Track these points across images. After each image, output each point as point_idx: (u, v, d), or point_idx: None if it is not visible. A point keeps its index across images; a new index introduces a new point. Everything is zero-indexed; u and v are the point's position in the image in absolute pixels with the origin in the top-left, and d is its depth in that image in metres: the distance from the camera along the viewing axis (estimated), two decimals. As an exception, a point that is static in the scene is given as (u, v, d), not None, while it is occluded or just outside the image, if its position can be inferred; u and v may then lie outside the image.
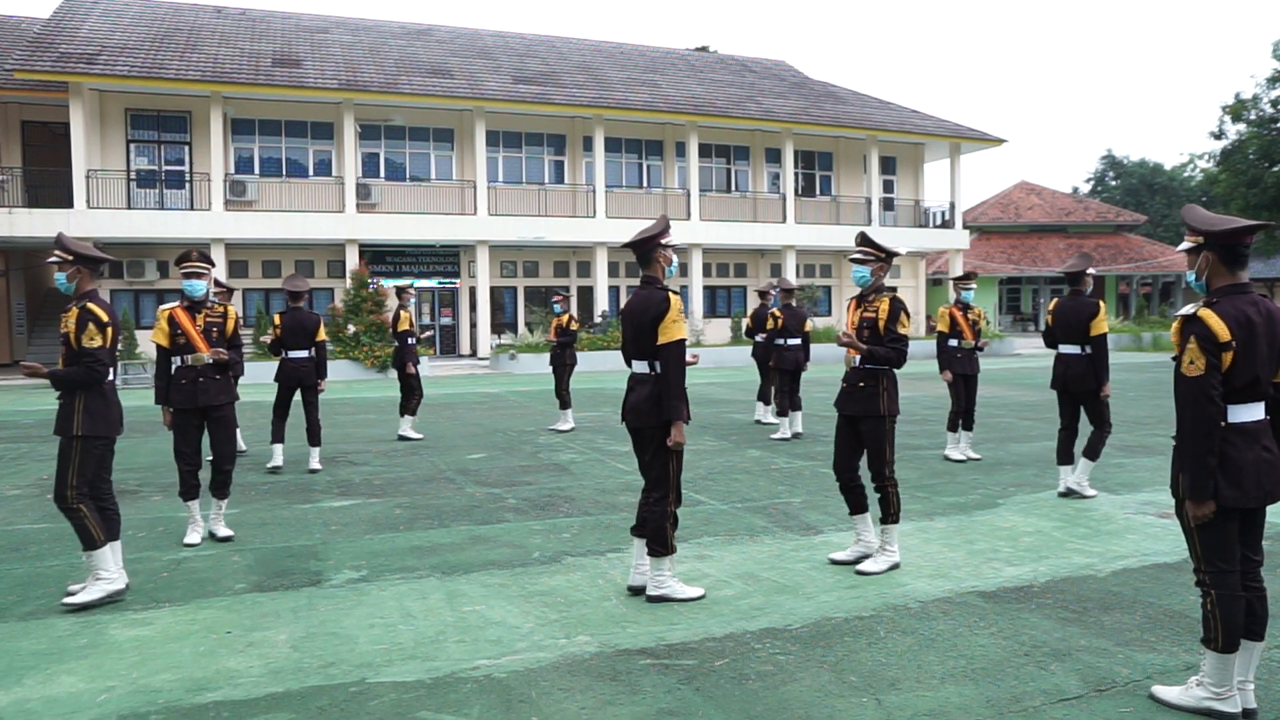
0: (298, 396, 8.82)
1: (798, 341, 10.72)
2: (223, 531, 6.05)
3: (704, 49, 45.25)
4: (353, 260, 23.71)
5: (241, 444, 9.92)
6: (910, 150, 32.81)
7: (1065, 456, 7.12)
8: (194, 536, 5.93)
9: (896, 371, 5.18)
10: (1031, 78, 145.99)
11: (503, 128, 27.08)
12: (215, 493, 6.08)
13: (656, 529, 4.61)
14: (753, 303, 31.27)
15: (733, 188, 30.42)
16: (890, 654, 3.91)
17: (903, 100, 65.10)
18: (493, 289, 26.58)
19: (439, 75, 25.90)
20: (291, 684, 3.67)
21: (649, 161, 29.46)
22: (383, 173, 26.17)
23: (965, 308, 8.97)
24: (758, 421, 11.95)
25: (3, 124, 23.63)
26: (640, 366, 4.75)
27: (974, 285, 9.15)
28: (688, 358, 4.64)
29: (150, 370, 20.14)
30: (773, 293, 12.32)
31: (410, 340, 10.77)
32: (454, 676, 3.73)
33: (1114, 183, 63.69)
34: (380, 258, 25.72)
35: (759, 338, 11.79)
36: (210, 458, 6.08)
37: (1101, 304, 7.06)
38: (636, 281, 5.15)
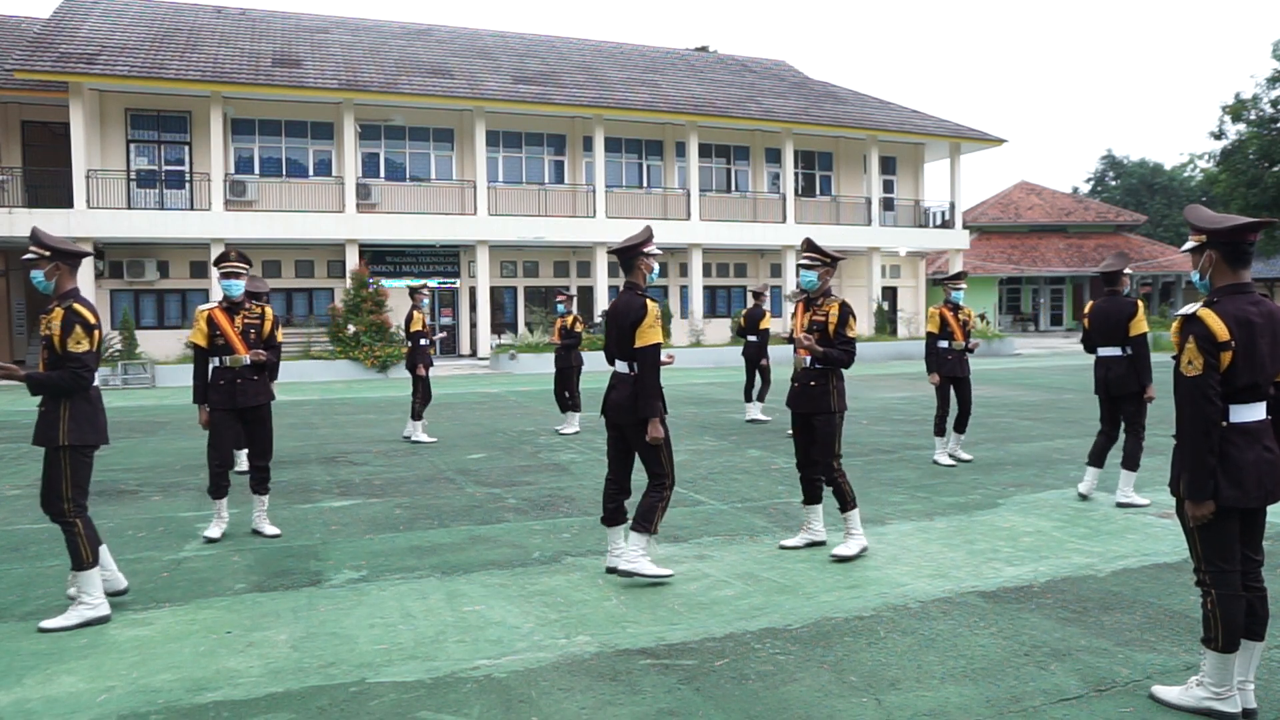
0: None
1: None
2: (268, 529, 6.11)
3: (704, 49, 45.25)
4: (353, 260, 23.71)
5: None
6: (910, 150, 32.80)
7: (1098, 459, 6.95)
8: (215, 531, 6.00)
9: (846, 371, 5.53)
10: (1031, 78, 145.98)
11: (503, 128, 27.07)
12: (256, 489, 6.17)
13: (648, 508, 4.94)
14: (752, 302, 31.27)
15: (733, 188, 30.42)
16: (890, 654, 3.91)
17: (903, 100, 65.10)
18: (493, 289, 26.57)
19: (439, 75, 25.90)
20: (291, 684, 3.67)
21: (649, 161, 29.45)
22: (383, 173, 26.17)
23: (956, 308, 8.78)
24: (751, 421, 11.97)
25: (3, 124, 23.62)
26: (621, 366, 5.03)
27: (964, 285, 8.97)
28: (663, 358, 4.98)
29: (150, 370, 20.14)
30: (766, 294, 12.43)
31: (423, 342, 10.62)
32: (454, 676, 3.73)
33: (1114, 183, 63.70)
34: (380, 258, 25.72)
35: (751, 337, 12.02)
36: (247, 456, 6.21)
37: (1140, 303, 6.91)
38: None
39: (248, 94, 23.68)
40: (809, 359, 5.46)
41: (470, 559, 5.47)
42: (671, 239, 27.30)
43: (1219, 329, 3.16)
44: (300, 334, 23.28)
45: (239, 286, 6.10)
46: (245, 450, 7.27)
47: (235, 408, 5.97)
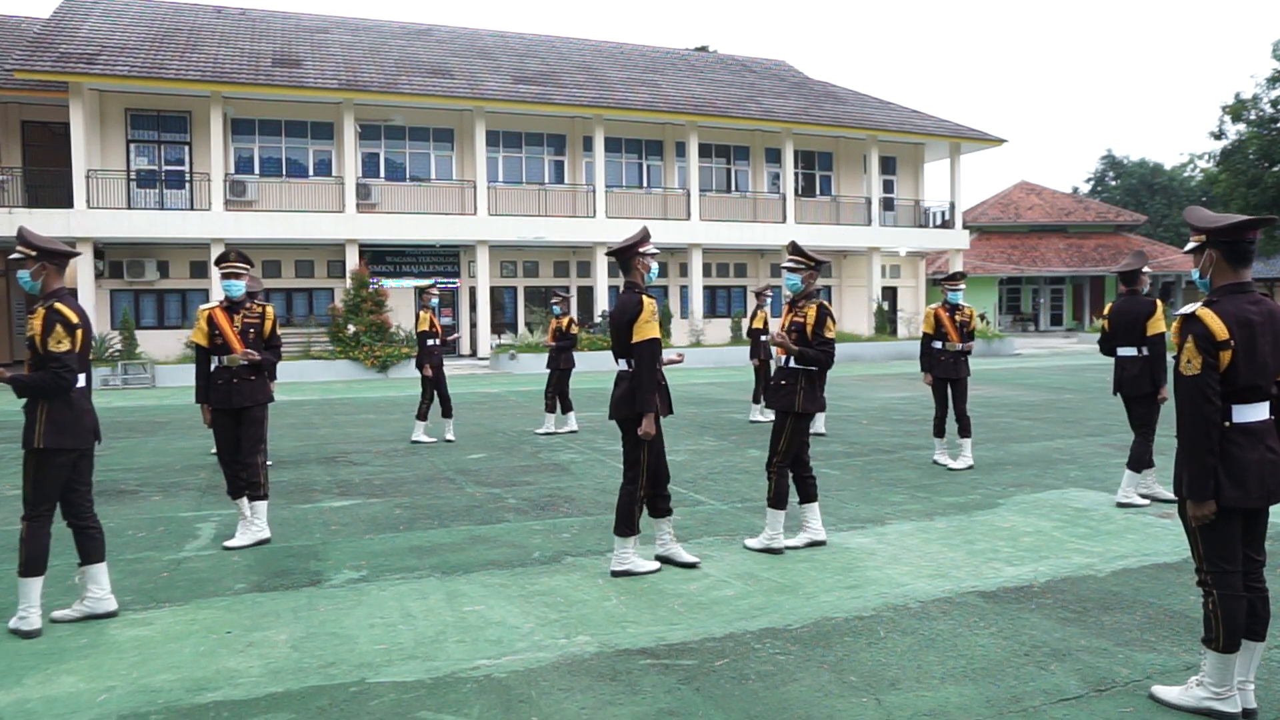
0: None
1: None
2: (238, 540, 5.82)
3: (704, 49, 45.27)
4: (353, 260, 23.71)
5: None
6: (910, 150, 32.80)
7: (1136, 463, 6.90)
8: (239, 539, 5.80)
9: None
10: (1031, 78, 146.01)
11: (503, 128, 27.07)
12: (231, 493, 5.93)
13: (623, 510, 5.08)
14: (752, 302, 31.28)
15: (733, 188, 30.42)
16: (890, 654, 3.91)
17: (903, 100, 65.11)
18: (493, 289, 26.57)
19: (439, 75, 25.90)
20: (291, 684, 3.67)
21: (649, 161, 29.45)
22: (383, 173, 26.16)
23: (954, 309, 8.66)
24: (752, 422, 11.99)
25: (3, 124, 23.63)
26: (622, 364, 5.16)
27: (962, 286, 8.76)
28: (672, 356, 5.16)
29: (150, 370, 20.14)
30: (769, 294, 12.43)
31: (430, 342, 10.42)
32: (454, 676, 3.73)
33: (1114, 183, 63.68)
34: (380, 258, 25.71)
35: (764, 338, 12.07)
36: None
37: (1159, 302, 6.86)
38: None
39: (248, 94, 23.68)
40: (784, 358, 5.57)
41: (470, 559, 5.47)
42: (671, 239, 27.30)
43: (1218, 328, 3.17)
44: (300, 334, 23.29)
45: (239, 287, 6.08)
46: None
47: (230, 408, 5.92)
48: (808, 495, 5.73)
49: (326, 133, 25.57)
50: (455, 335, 11.75)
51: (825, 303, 5.62)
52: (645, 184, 29.26)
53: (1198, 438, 3.17)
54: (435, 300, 10.83)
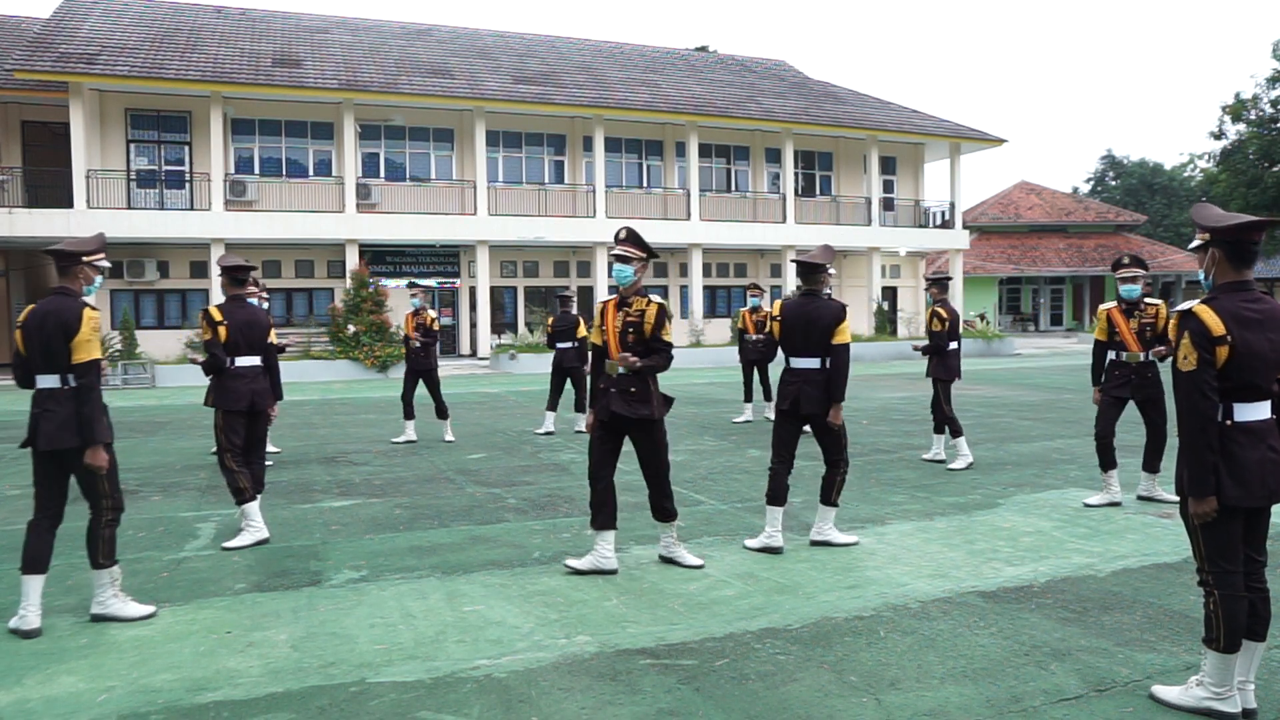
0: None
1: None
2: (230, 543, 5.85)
3: (704, 49, 45.28)
4: (353, 260, 23.71)
5: (272, 445, 9.99)
6: (910, 150, 32.80)
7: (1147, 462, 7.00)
8: (241, 539, 5.87)
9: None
10: (1031, 78, 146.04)
11: (503, 128, 27.07)
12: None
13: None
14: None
15: (733, 188, 30.42)
16: (890, 654, 3.91)
17: (903, 100, 65.05)
18: (493, 289, 26.58)
19: (439, 75, 25.90)
20: (291, 684, 3.67)
21: (649, 161, 29.45)
22: (383, 173, 26.17)
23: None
24: (743, 421, 11.94)
25: (3, 124, 23.63)
26: (815, 363, 5.65)
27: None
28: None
29: (150, 370, 20.14)
30: (756, 294, 12.40)
31: (410, 343, 10.53)
32: (454, 676, 3.73)
33: (1114, 183, 63.71)
34: (380, 258, 25.71)
35: (757, 337, 12.10)
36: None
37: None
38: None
39: (248, 94, 23.68)
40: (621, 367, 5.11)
41: (470, 559, 5.47)
42: (671, 239, 27.31)
43: (1214, 324, 3.18)
44: (300, 334, 23.29)
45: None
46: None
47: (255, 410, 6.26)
48: (662, 514, 5.32)
49: (326, 133, 25.57)
50: (418, 342, 11.06)
51: (663, 301, 5.15)
52: (645, 184, 29.26)
53: (1196, 433, 3.18)
54: (416, 301, 10.76)
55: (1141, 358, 6.65)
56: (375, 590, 4.89)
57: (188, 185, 24.22)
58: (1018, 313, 43.90)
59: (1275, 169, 33.80)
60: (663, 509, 5.25)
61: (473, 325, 26.79)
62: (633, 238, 5.16)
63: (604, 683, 3.65)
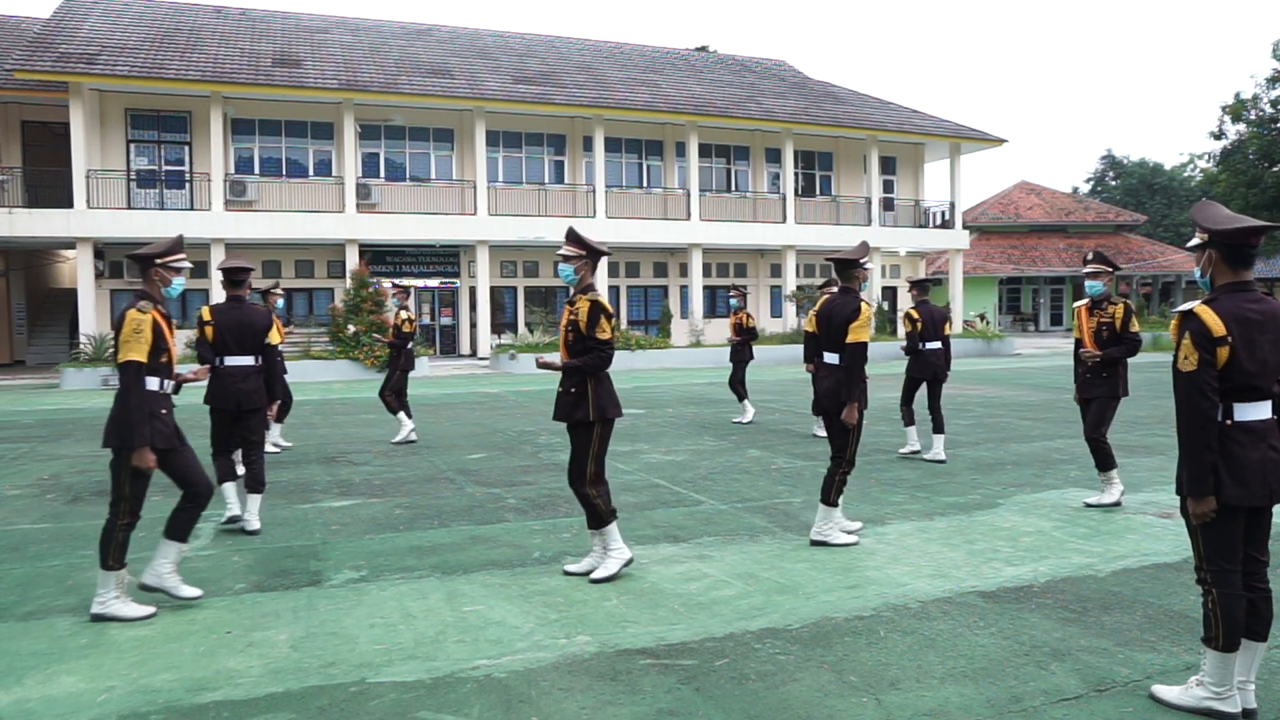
0: None
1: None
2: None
3: (704, 49, 45.28)
4: (353, 260, 23.72)
5: (285, 442, 9.96)
6: (910, 150, 32.80)
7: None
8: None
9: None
10: (1031, 78, 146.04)
11: (503, 128, 27.08)
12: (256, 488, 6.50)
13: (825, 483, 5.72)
14: (754, 303, 31.26)
15: (733, 188, 30.42)
16: (890, 654, 3.91)
17: (903, 100, 65.06)
18: (493, 289, 26.59)
19: (439, 75, 25.90)
20: (291, 684, 3.67)
21: (649, 161, 29.45)
22: (383, 173, 26.17)
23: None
24: (744, 422, 11.88)
25: (3, 124, 23.63)
26: (831, 358, 5.86)
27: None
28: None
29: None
30: (736, 293, 12.34)
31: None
32: (454, 676, 3.73)
33: (1114, 183, 63.72)
34: (380, 258, 25.72)
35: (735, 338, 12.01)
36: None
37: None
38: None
39: (248, 94, 23.69)
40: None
41: (470, 559, 5.47)
42: (671, 239, 27.32)
43: (1214, 324, 3.17)
44: (300, 334, 23.29)
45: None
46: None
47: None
48: (595, 520, 5.12)
49: (326, 133, 25.58)
50: (382, 339, 11.08)
51: (600, 297, 5.03)
52: (645, 184, 29.27)
53: (1195, 433, 3.18)
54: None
55: (1098, 356, 6.53)
56: (375, 590, 4.89)
57: (188, 185, 24.23)
58: (1018, 313, 43.91)
59: (1275, 169, 33.80)
60: (587, 516, 5.08)
61: (473, 325, 26.79)
62: (572, 236, 5.11)
63: (604, 683, 3.65)
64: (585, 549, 5.69)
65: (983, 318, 36.15)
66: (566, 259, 5.09)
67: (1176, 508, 4.28)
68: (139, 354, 4.44)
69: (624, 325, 28.26)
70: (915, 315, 8.93)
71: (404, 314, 10.50)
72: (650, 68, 31.64)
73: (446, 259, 27.11)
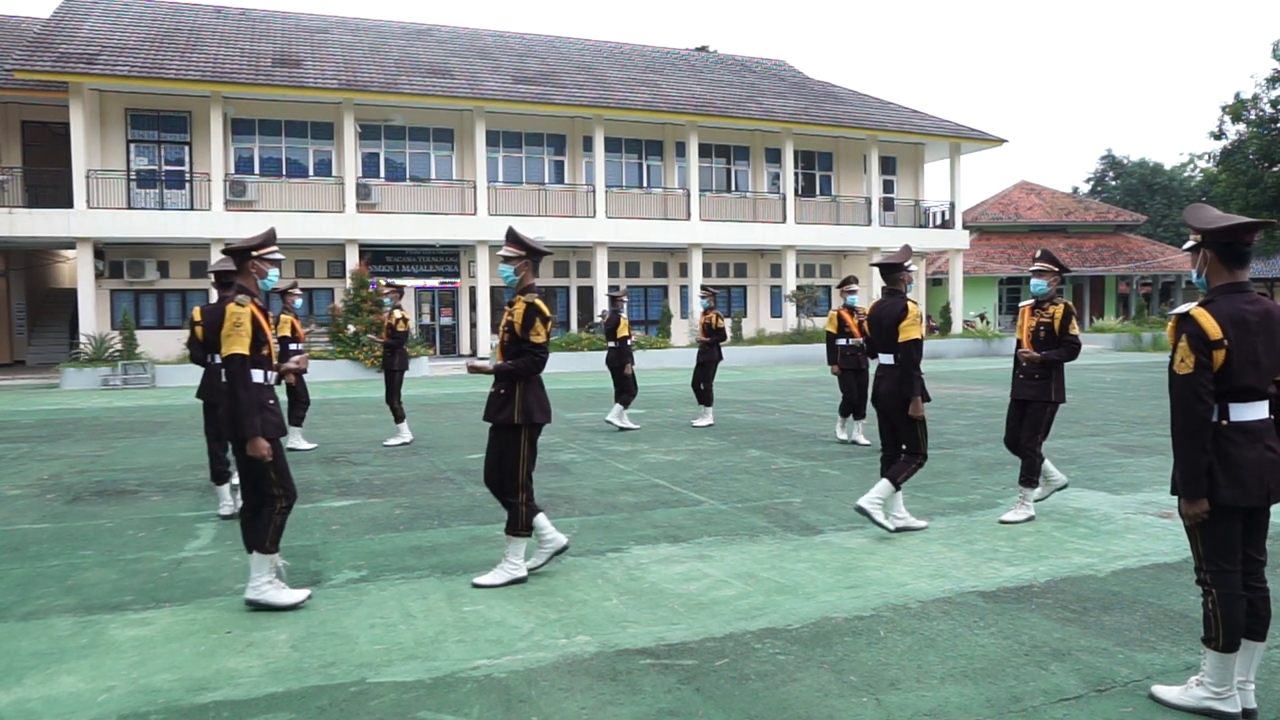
0: None
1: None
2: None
3: (704, 49, 45.28)
4: (353, 260, 23.72)
5: (305, 444, 9.94)
6: (910, 150, 32.80)
7: None
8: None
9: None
10: (1031, 78, 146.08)
11: (503, 128, 27.08)
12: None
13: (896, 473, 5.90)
14: (753, 303, 31.28)
15: (733, 188, 30.43)
16: (890, 654, 3.91)
17: (903, 100, 65.07)
18: (493, 289, 26.57)
19: (439, 75, 25.91)
20: (291, 684, 3.67)
21: (649, 161, 29.46)
22: (383, 173, 26.17)
23: (851, 310, 10.00)
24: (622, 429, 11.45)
25: (3, 124, 23.63)
26: (886, 359, 6.11)
27: (856, 289, 10.05)
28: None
29: (150, 370, 20.14)
30: (624, 297, 12.19)
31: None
32: (454, 676, 3.73)
33: (1114, 183, 63.70)
34: (380, 258, 25.72)
35: (610, 344, 11.75)
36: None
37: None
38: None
39: (248, 94, 23.69)
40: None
41: (470, 559, 5.47)
42: (671, 239, 27.32)
43: (1211, 327, 3.17)
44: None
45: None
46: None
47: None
48: (513, 526, 4.99)
49: (326, 133, 25.58)
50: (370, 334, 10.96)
51: (537, 299, 4.90)
52: (645, 184, 29.27)
53: (1189, 436, 3.18)
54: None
55: (1031, 353, 6.38)
56: (375, 590, 4.89)
57: (188, 185, 24.23)
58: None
59: (1275, 169, 33.80)
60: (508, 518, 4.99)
61: (473, 325, 26.79)
62: (512, 237, 5.03)
63: (604, 683, 3.65)
64: (584, 549, 5.70)
65: (983, 317, 36.15)
66: (506, 259, 5.01)
67: (1175, 508, 4.25)
68: (242, 346, 4.50)
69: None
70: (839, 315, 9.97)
71: (397, 314, 10.52)
72: (650, 68, 31.64)
73: (446, 259, 27.11)
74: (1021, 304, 6.70)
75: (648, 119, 27.94)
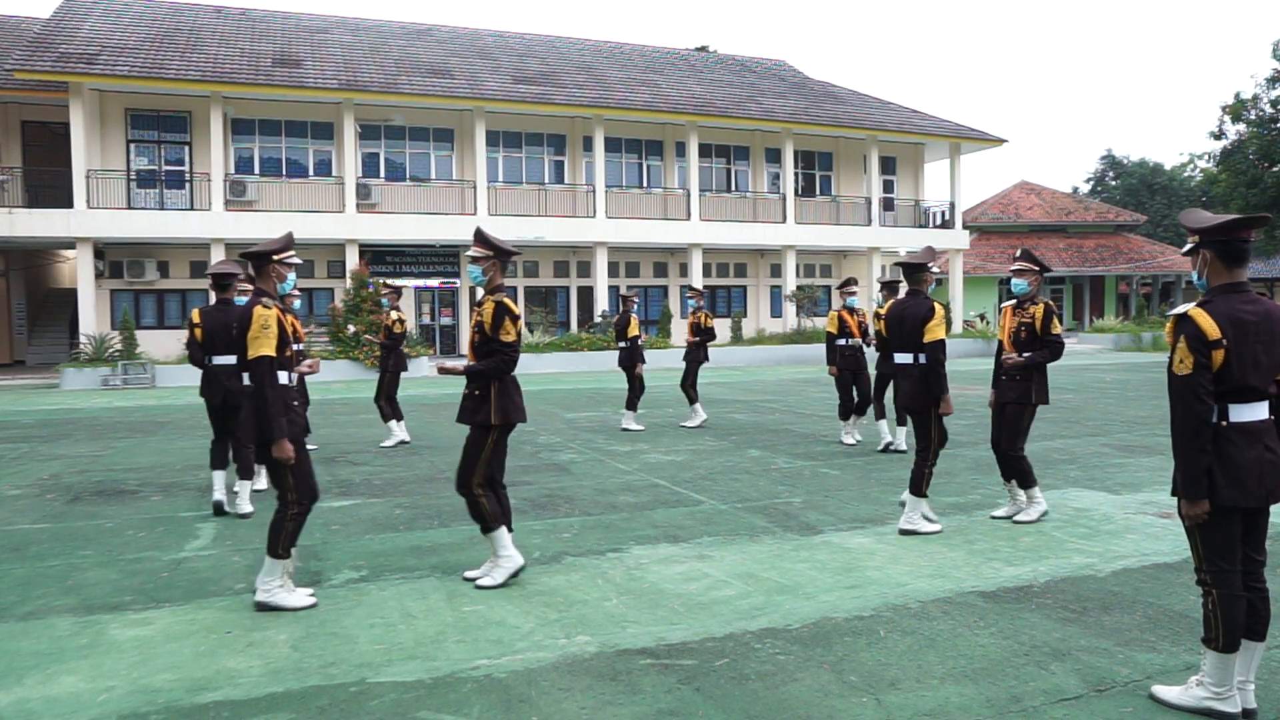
0: None
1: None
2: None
3: (704, 49, 45.29)
4: (353, 260, 23.72)
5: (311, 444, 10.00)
6: (910, 150, 32.80)
7: None
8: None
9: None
10: (1031, 78, 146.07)
11: (503, 128, 27.08)
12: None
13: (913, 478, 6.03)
14: (753, 303, 31.28)
15: (733, 188, 30.42)
16: (890, 654, 3.91)
17: (903, 100, 65.07)
18: (493, 289, 26.58)
19: (439, 75, 25.90)
20: (291, 684, 3.67)
21: (649, 161, 29.45)
22: (383, 173, 26.17)
23: (851, 311, 10.04)
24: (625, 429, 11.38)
25: (3, 124, 23.63)
26: (907, 358, 6.13)
27: (856, 290, 10.15)
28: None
29: (150, 370, 20.14)
30: (635, 298, 12.13)
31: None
32: (454, 676, 3.73)
33: (1114, 183, 63.69)
34: (380, 258, 25.72)
35: (621, 344, 11.71)
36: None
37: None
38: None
39: (248, 94, 23.68)
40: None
41: (470, 559, 5.47)
42: (671, 239, 27.31)
43: (1209, 328, 3.17)
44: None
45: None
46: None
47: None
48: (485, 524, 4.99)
49: (326, 133, 25.57)
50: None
51: (506, 299, 4.92)
52: (645, 184, 29.27)
53: (1189, 436, 3.18)
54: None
55: (1015, 358, 6.22)
56: (375, 590, 4.89)
57: (188, 185, 24.23)
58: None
59: (1275, 169, 33.80)
60: (473, 519, 4.98)
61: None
62: (480, 237, 5.03)
63: (604, 683, 3.65)
64: (585, 548, 5.70)
65: (983, 318, 36.15)
66: (475, 260, 5.02)
67: (1175, 508, 4.25)
68: (269, 349, 4.53)
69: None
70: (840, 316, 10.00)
71: (394, 314, 10.55)
72: (650, 68, 31.64)
73: (446, 259, 27.10)
74: (1003, 305, 6.59)
75: (648, 119, 27.94)
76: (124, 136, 23.97)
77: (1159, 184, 59.70)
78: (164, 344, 22.62)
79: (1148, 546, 5.60)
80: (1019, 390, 6.22)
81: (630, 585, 4.93)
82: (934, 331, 5.94)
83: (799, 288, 27.94)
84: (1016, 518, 6.32)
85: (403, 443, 10.32)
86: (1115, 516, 6.43)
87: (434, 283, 27.07)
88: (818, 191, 31.68)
